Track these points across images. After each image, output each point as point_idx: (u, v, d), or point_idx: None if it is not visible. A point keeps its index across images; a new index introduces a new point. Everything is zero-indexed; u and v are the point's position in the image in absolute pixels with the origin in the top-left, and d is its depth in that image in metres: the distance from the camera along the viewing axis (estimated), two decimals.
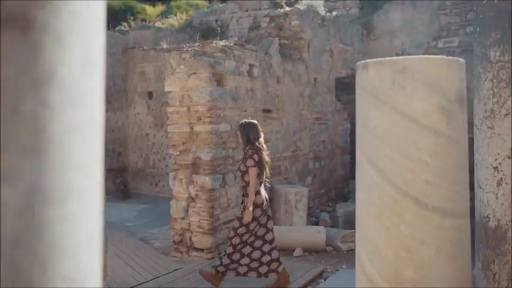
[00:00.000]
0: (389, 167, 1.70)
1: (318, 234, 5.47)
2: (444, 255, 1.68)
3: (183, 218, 5.30)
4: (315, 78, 7.72)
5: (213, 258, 5.12)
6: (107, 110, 11.78)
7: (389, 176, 1.70)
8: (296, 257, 5.34)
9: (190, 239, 5.25)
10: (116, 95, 11.60)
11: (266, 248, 4.09)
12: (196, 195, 5.17)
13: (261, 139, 4.15)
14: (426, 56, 1.69)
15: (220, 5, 17.62)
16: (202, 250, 5.16)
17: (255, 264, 4.07)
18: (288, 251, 5.42)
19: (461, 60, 1.75)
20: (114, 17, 18.75)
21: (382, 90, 1.72)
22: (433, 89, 1.67)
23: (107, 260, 4.93)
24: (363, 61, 1.81)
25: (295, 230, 5.56)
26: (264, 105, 6.15)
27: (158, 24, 17.59)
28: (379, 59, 1.76)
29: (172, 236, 5.39)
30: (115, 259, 5.06)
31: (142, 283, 4.22)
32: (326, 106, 8.15)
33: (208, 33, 15.13)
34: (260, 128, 4.18)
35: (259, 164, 4.02)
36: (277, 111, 6.51)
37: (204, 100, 5.07)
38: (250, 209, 3.99)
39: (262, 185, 4.15)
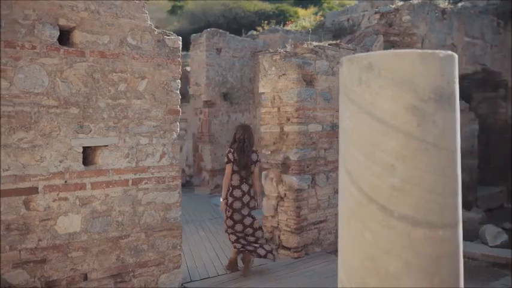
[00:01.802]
0: (356, 170, 1.62)
1: None
2: (414, 269, 1.53)
3: (273, 216, 5.43)
4: None
5: (300, 257, 5.16)
6: (235, 111, 12.54)
7: (356, 179, 1.62)
8: None
9: (279, 237, 5.37)
10: (244, 96, 12.25)
11: (254, 235, 4.54)
12: (285, 194, 5.26)
13: (251, 140, 4.56)
14: (396, 50, 1.56)
15: (353, 4, 17.27)
16: (289, 249, 5.23)
17: (251, 248, 4.51)
18: None
19: (444, 53, 1.57)
20: (268, 20, 19.75)
21: (351, 88, 1.64)
22: (403, 86, 1.53)
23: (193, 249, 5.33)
24: (344, 57, 1.74)
25: None
26: None
27: (291, 26, 18.01)
28: (352, 55, 1.67)
29: (264, 233, 5.56)
30: (204, 250, 5.43)
31: (212, 277, 4.48)
32: None
33: (339, 33, 15.02)
34: (251, 131, 4.62)
35: (236, 162, 4.46)
36: None
37: (293, 101, 5.13)
38: (221, 200, 4.59)
39: (244, 180, 4.53)
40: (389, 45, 6.74)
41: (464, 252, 5.23)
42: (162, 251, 3.89)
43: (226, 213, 4.56)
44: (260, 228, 4.65)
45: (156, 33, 3.81)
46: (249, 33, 16.80)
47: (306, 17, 19.11)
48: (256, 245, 4.53)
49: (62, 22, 3.30)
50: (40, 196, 3.21)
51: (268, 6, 30.55)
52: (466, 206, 7.82)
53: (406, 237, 1.53)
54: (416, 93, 1.52)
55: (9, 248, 3.10)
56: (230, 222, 4.53)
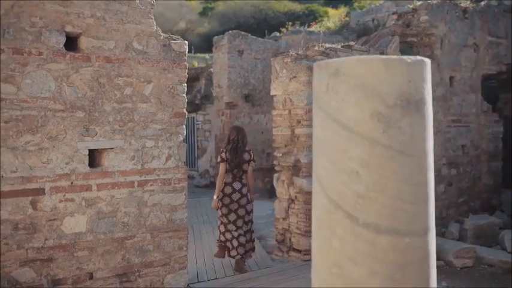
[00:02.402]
0: (325, 177, 1.62)
1: None
2: (379, 277, 1.52)
3: (284, 219, 5.44)
4: (451, 77, 6.99)
5: (310, 260, 5.13)
6: (257, 113, 12.58)
7: (324, 186, 1.62)
8: None
9: (289, 239, 5.37)
10: (265, 98, 12.27)
11: (233, 228, 4.81)
12: (295, 196, 5.26)
13: (244, 141, 4.81)
14: (361, 56, 1.55)
15: (377, 4, 17.04)
16: (299, 251, 5.23)
17: (235, 243, 4.79)
18: None
19: (412, 59, 1.55)
20: (292, 22, 19.70)
21: (319, 95, 1.65)
22: (367, 93, 1.52)
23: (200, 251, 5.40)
24: (315, 63, 1.74)
25: None
26: None
27: (315, 27, 17.91)
28: (321, 61, 1.67)
29: (276, 235, 5.58)
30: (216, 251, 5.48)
31: (220, 278, 4.51)
32: (467, 107, 7.31)
33: (364, 33, 14.86)
34: (244, 133, 4.90)
35: (228, 161, 4.73)
36: None
37: (303, 103, 5.12)
38: (214, 197, 4.88)
39: (237, 179, 4.80)
40: (406, 46, 6.63)
41: (480, 258, 5.10)
42: (168, 252, 3.95)
43: (220, 209, 4.91)
44: (242, 230, 4.86)
45: (162, 38, 3.88)
46: (272, 34, 16.82)
47: (331, 18, 18.97)
48: (236, 243, 4.81)
49: (69, 29, 3.40)
50: (47, 197, 3.33)
51: (298, 7, 30.49)
52: (489, 210, 7.60)
53: (371, 245, 1.52)
54: (382, 99, 1.51)
55: (17, 246, 3.22)
56: (219, 213, 4.95)
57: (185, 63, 4.04)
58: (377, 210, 1.51)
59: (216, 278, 4.52)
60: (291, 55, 5.29)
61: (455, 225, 6.41)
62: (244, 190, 4.84)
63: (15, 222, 3.21)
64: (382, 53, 5.91)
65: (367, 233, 1.52)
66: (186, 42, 4.06)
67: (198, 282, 4.38)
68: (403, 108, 1.52)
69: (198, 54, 19.68)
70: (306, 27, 17.08)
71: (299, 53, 5.35)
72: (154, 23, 3.84)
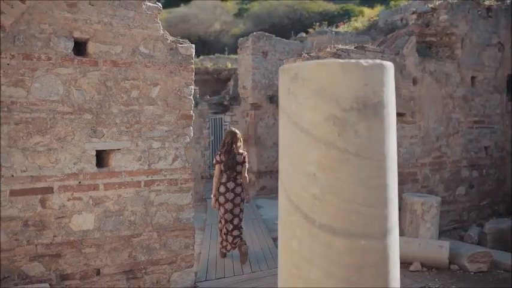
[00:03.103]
0: (286, 179, 1.66)
1: (439, 250, 4.93)
2: (335, 278, 1.55)
3: None
4: (473, 77, 6.81)
5: None
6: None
7: (286, 188, 1.66)
8: (411, 271, 4.93)
9: None
10: None
11: (230, 227, 5.11)
12: None
13: (237, 144, 5.12)
14: (318, 61, 1.57)
15: (406, 3, 16.73)
16: None
17: (230, 239, 5.15)
18: (405, 264, 5.05)
19: (370, 63, 1.57)
20: (333, 20, 19.57)
21: (282, 98, 1.69)
22: (324, 96, 1.55)
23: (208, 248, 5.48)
24: (280, 67, 1.78)
25: (414, 242, 5.11)
26: None
27: (343, 28, 17.75)
28: (284, 66, 1.71)
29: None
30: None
31: (228, 277, 4.57)
32: (491, 108, 7.11)
33: (392, 33, 14.62)
34: (238, 137, 5.20)
35: (223, 163, 5.03)
36: (412, 115, 6.03)
37: None
38: (212, 196, 5.18)
39: (231, 179, 5.07)
40: (425, 46, 6.51)
41: (496, 262, 4.97)
42: (174, 250, 4.05)
43: (218, 209, 5.22)
44: (236, 227, 5.16)
45: (168, 41, 3.98)
46: (299, 35, 16.78)
47: (359, 18, 18.78)
48: (230, 239, 5.13)
49: (77, 34, 3.55)
50: (55, 195, 3.48)
51: (333, 7, 30.23)
52: None
53: (327, 246, 1.54)
54: (337, 103, 1.54)
55: (27, 242, 3.38)
56: (219, 215, 5.23)
57: (192, 66, 4.13)
58: (332, 213, 1.54)
59: (224, 277, 4.58)
60: (303, 57, 5.30)
61: (475, 229, 6.24)
62: (238, 190, 5.12)
63: (25, 219, 3.37)
64: (397, 54, 5.83)
65: (323, 235, 1.55)
66: (193, 45, 4.15)
67: (206, 280, 4.46)
68: (359, 111, 1.54)
69: (232, 56, 19.85)
70: (333, 28, 16.96)
71: (311, 54, 5.36)
72: (161, 27, 3.95)
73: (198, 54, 20.69)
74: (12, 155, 3.32)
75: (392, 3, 24.39)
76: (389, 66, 1.63)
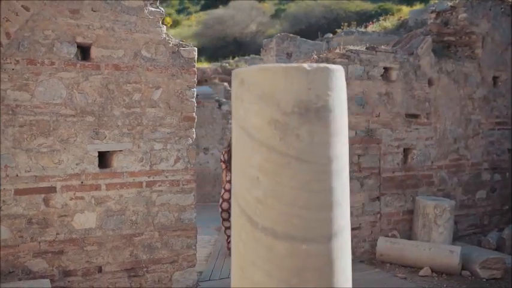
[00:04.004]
0: (235, 183, 1.69)
1: (450, 255, 4.79)
2: (276, 281, 1.56)
3: None
4: (495, 77, 6.59)
5: None
6: None
7: (235, 191, 1.69)
8: (420, 276, 4.83)
9: None
10: None
11: None
12: None
13: None
14: (261, 65, 1.59)
15: (437, 1, 16.24)
16: None
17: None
18: (415, 268, 4.95)
19: (314, 66, 1.57)
20: (369, 20, 19.35)
21: (233, 102, 1.71)
22: (267, 101, 1.57)
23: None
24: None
25: (425, 246, 5.00)
26: (407, 110, 5.68)
27: (371, 27, 17.48)
28: (235, 70, 1.73)
29: None
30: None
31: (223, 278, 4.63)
32: None
33: None
34: None
35: (228, 161, 5.17)
36: (427, 116, 5.89)
37: None
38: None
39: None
40: (443, 46, 6.35)
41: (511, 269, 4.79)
42: (176, 250, 4.12)
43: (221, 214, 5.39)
44: None
45: (170, 45, 4.06)
46: (326, 35, 16.66)
47: (388, 17, 18.46)
48: None
49: (79, 40, 3.68)
50: (58, 195, 3.62)
51: (370, 6, 29.79)
52: None
53: (269, 249, 1.56)
54: (279, 107, 1.55)
55: (30, 239, 3.54)
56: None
57: (194, 69, 4.20)
58: (274, 216, 1.55)
59: (228, 277, 4.63)
60: (313, 58, 5.29)
61: (494, 234, 6.03)
62: None
63: (29, 217, 3.53)
64: (411, 54, 5.72)
65: (265, 238, 1.57)
66: (196, 48, 4.22)
67: (209, 280, 4.52)
68: (301, 115, 1.55)
69: None
70: (361, 28, 16.73)
71: (321, 56, 5.33)
72: (164, 31, 4.03)
73: (233, 56, 20.89)
74: (17, 156, 3.48)
75: (432, 1, 23.71)
76: (337, 69, 1.63)
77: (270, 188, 1.56)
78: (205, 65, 15.81)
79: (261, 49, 13.02)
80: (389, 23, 17.57)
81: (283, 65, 1.60)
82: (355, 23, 18.86)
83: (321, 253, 1.57)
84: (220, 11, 32.82)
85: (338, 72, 1.65)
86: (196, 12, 37.26)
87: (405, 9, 23.87)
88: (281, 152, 1.55)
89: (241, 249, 1.64)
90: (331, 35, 16.60)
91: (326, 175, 1.58)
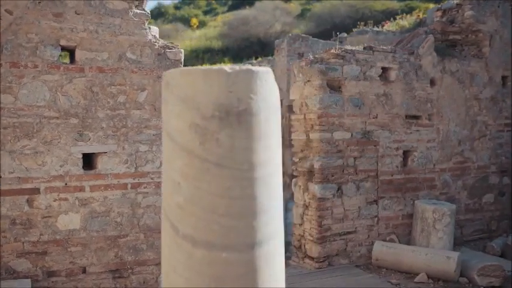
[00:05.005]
0: (163, 188, 1.66)
1: (446, 261, 4.65)
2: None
3: (300, 225, 5.37)
4: (504, 77, 6.36)
5: (321, 268, 5.03)
6: None
7: (163, 197, 1.66)
8: (416, 282, 4.70)
9: (304, 246, 5.29)
10: None
11: None
12: (309, 203, 5.17)
13: None
14: (183, 68, 1.56)
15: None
16: (313, 258, 5.13)
17: None
18: (411, 274, 4.82)
19: (235, 69, 1.53)
20: (389, 18, 19.07)
21: (162, 106, 1.69)
22: (188, 104, 1.54)
23: None
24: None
25: (421, 251, 4.86)
26: (408, 111, 5.54)
27: (388, 27, 17.17)
28: (168, 71, 1.70)
29: (293, 241, 5.52)
30: None
31: None
32: None
33: None
34: None
35: None
36: (429, 117, 5.73)
37: (315, 108, 5.02)
38: None
39: None
40: (447, 44, 6.17)
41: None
42: None
43: None
44: None
45: (156, 47, 4.07)
46: (340, 35, 16.47)
47: (406, 16, 18.13)
48: None
49: (63, 43, 3.72)
50: (42, 196, 3.67)
51: (397, 4, 29.27)
52: None
53: (189, 256, 1.53)
54: (199, 111, 1.52)
55: (14, 239, 3.59)
56: None
57: None
58: (193, 223, 1.52)
59: None
60: (307, 58, 5.22)
61: (500, 240, 5.83)
62: None
63: (12, 217, 3.58)
64: (412, 53, 5.58)
65: (185, 244, 1.53)
66: (182, 50, 4.21)
67: None
68: (221, 119, 1.51)
69: None
70: (376, 27, 16.46)
71: (315, 56, 5.25)
72: (149, 33, 4.04)
73: (256, 56, 20.90)
74: (1, 158, 3.54)
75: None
76: (263, 72, 1.58)
77: (190, 194, 1.53)
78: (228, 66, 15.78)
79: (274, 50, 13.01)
80: (406, 21, 17.24)
81: (205, 67, 1.56)
82: (371, 22, 18.59)
83: (242, 262, 1.53)
84: (244, 12, 32.86)
85: (265, 75, 1.60)
86: (223, 13, 37.39)
87: (432, 7, 23.36)
88: (201, 157, 1.51)
89: (166, 254, 1.62)
90: (345, 35, 16.41)
91: (248, 182, 1.54)
